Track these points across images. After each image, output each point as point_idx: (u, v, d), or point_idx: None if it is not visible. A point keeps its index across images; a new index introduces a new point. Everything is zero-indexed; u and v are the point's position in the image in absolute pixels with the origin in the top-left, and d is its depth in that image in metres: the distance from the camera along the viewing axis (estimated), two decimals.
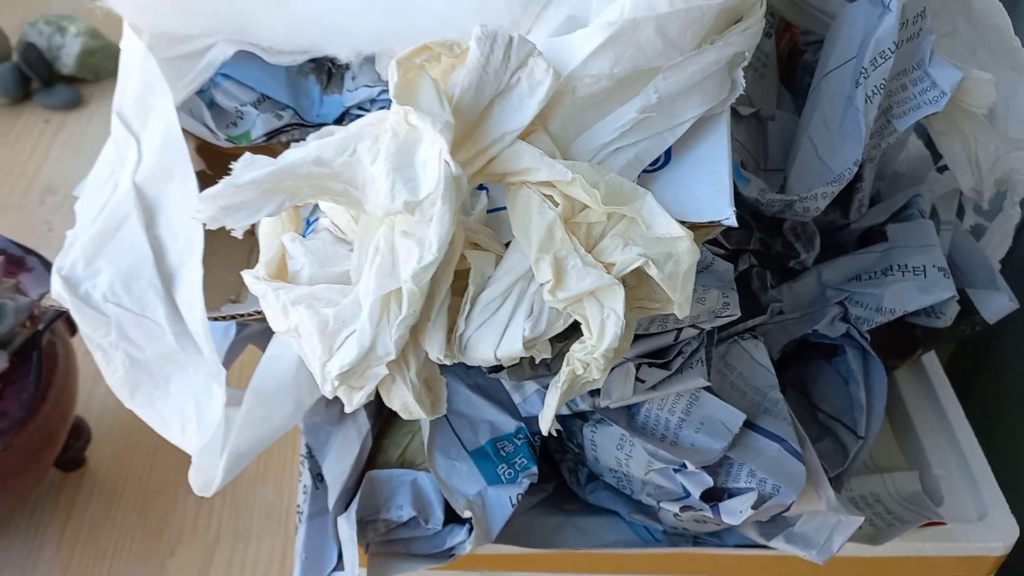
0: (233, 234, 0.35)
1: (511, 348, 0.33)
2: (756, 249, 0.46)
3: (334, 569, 0.43)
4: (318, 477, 0.46)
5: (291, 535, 0.54)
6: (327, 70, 0.45)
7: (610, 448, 0.43)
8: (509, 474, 0.43)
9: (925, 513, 0.46)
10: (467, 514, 0.42)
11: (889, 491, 0.51)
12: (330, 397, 0.34)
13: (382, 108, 0.44)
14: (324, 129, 0.40)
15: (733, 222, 0.32)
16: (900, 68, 0.41)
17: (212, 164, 0.46)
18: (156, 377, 0.41)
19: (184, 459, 0.59)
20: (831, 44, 0.42)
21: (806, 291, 0.48)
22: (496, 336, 0.33)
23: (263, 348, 0.49)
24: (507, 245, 0.34)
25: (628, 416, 0.43)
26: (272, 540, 0.54)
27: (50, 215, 0.76)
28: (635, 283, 0.33)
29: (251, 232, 0.46)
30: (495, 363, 0.34)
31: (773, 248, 0.47)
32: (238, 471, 0.38)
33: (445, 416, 0.46)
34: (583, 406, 0.42)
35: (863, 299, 0.46)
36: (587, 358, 0.32)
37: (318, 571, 0.43)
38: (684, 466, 0.40)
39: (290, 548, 0.53)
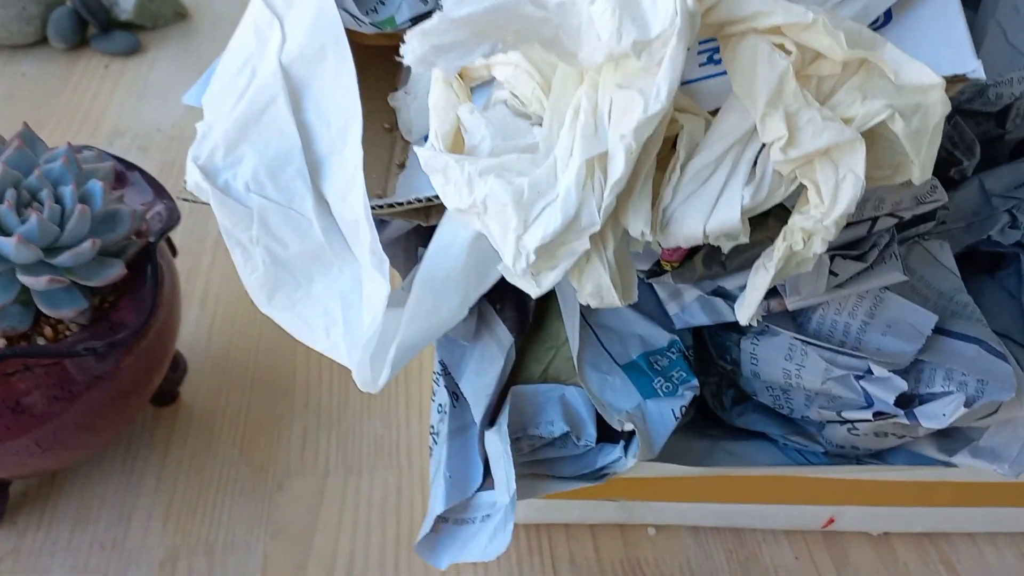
0: (444, 77, 0.33)
1: (727, 219, 0.30)
2: None
3: (480, 488, 0.40)
4: (454, 395, 0.43)
5: (405, 468, 0.51)
6: None
7: (776, 360, 0.40)
8: (667, 388, 0.40)
9: None
10: (628, 427, 0.39)
11: None
12: (519, 277, 0.31)
13: None
14: None
15: (981, 74, 0.29)
16: None
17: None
18: (298, 277, 0.38)
19: (281, 393, 0.56)
20: None
21: (969, 201, 0.45)
22: (708, 207, 0.30)
23: (394, 263, 0.46)
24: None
25: (796, 324, 0.40)
26: (385, 473, 0.51)
27: (121, 155, 0.73)
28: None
29: (391, 128, 0.43)
30: (702, 240, 0.31)
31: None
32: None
33: (592, 330, 0.43)
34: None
35: None
36: (814, 227, 0.29)
37: (462, 491, 0.40)
38: (869, 371, 0.37)
39: (405, 481, 0.50)
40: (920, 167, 0.29)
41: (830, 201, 0.29)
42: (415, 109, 0.39)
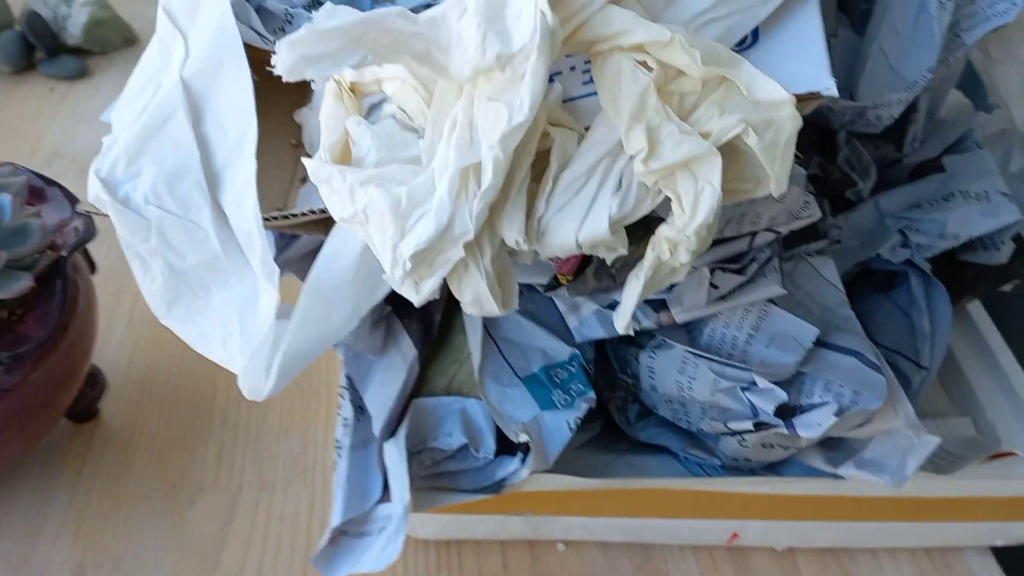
0: (334, 91, 0.33)
1: (596, 229, 0.31)
2: (814, 174, 0.45)
3: (379, 501, 0.41)
4: (359, 409, 0.44)
5: (319, 485, 0.51)
6: None
7: (671, 372, 0.41)
8: (565, 400, 0.41)
9: (990, 447, 0.44)
10: (523, 438, 0.39)
11: (944, 436, 0.49)
12: (398, 285, 0.32)
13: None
14: None
15: (834, 91, 0.30)
16: None
17: (256, 72, 0.44)
18: (196, 288, 0.39)
19: (200, 411, 0.56)
20: None
21: (864, 221, 0.46)
22: (579, 217, 0.31)
23: (300, 276, 0.47)
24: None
25: (690, 337, 0.41)
26: (299, 490, 0.51)
27: (57, 178, 0.73)
28: (725, 162, 0.31)
29: (296, 144, 0.44)
30: (576, 250, 0.32)
31: (831, 175, 0.46)
32: (292, 377, 0.35)
33: (495, 343, 0.44)
34: (647, 323, 0.40)
35: (924, 226, 0.44)
36: (677, 237, 0.30)
37: (361, 503, 0.41)
38: (754, 383, 0.38)
39: (319, 498, 0.50)
40: (775, 180, 0.30)
41: (690, 211, 0.30)
42: (316, 124, 0.40)
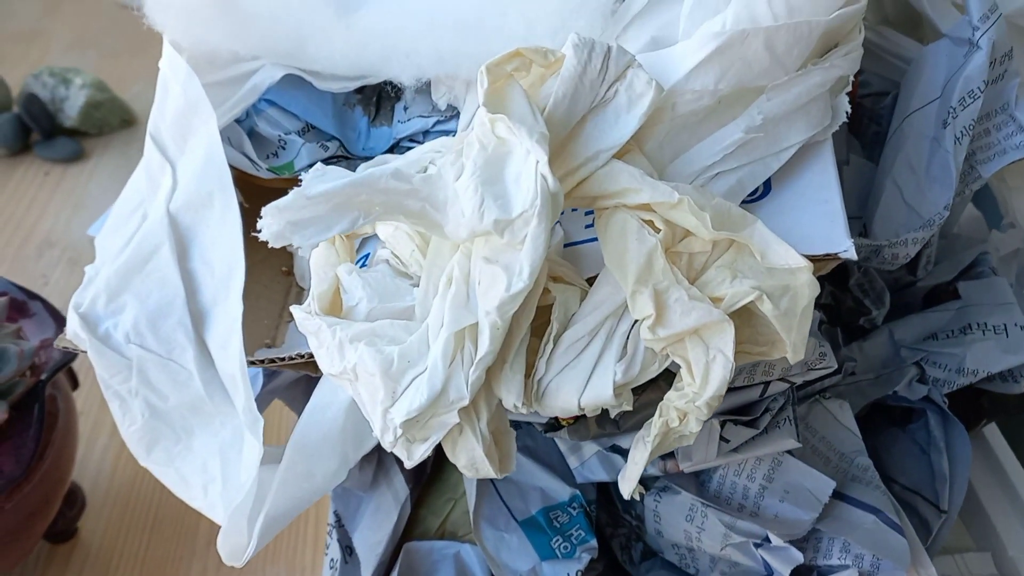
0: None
1: (599, 394, 0.29)
2: (827, 303, 0.43)
3: None
4: (347, 550, 0.41)
5: None
6: (374, 101, 0.42)
7: (678, 520, 0.39)
8: (565, 548, 0.39)
9: None
10: None
11: (963, 573, 0.47)
12: (389, 449, 0.30)
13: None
14: (380, 157, 0.37)
15: (852, 255, 0.29)
16: (984, 111, 0.39)
17: (249, 198, 0.42)
18: (178, 430, 0.37)
19: (183, 533, 0.54)
20: (911, 86, 0.40)
21: (879, 351, 0.44)
22: (581, 381, 0.29)
23: (290, 404, 0.45)
24: (590, 281, 0.31)
25: (698, 484, 0.39)
26: None
27: (47, 269, 0.72)
28: (737, 323, 0.29)
29: (288, 272, 0.42)
30: (578, 412, 0.30)
31: (844, 304, 0.44)
32: (271, 537, 0.33)
33: (492, 483, 0.42)
34: (651, 471, 0.38)
35: (942, 360, 0.43)
36: (687, 407, 0.29)
37: None
38: (767, 539, 0.36)
39: None
40: (792, 347, 0.28)
41: (701, 381, 0.28)
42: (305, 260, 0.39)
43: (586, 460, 0.40)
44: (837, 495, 0.36)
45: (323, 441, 0.33)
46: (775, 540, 0.35)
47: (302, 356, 0.36)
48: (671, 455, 0.37)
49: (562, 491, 0.41)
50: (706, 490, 0.39)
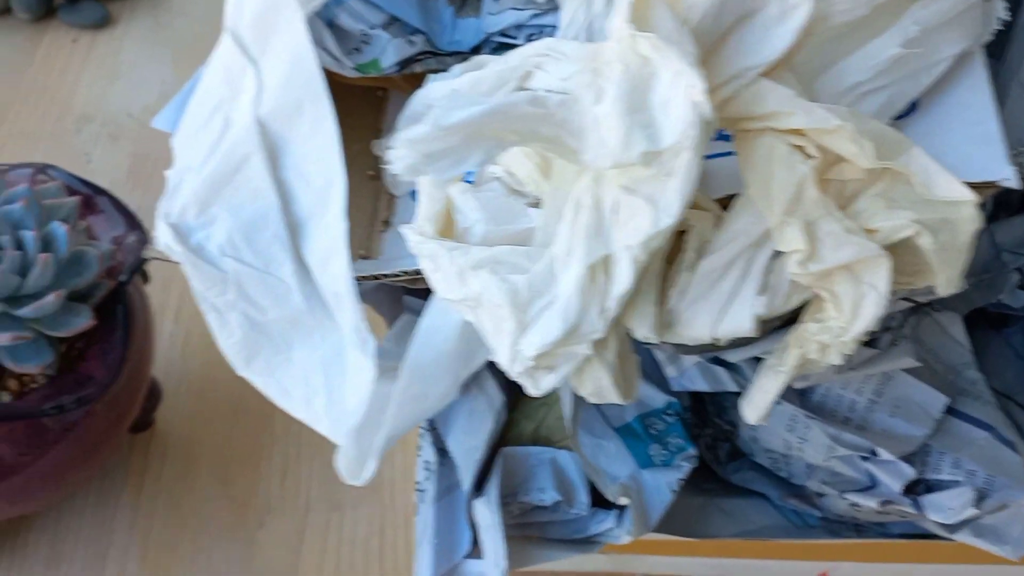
0: (421, 184, 0.30)
1: (737, 326, 0.28)
2: None
3: (468, 555, 0.39)
4: (441, 452, 0.41)
5: (388, 505, 0.50)
6: None
7: (777, 430, 0.38)
8: (663, 456, 0.39)
9: None
10: (623, 501, 0.37)
11: None
12: (515, 377, 0.29)
13: (532, 36, 0.38)
14: (476, 59, 0.35)
15: (1015, 183, 0.27)
16: None
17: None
18: (277, 342, 0.36)
19: (261, 422, 0.54)
20: None
21: (979, 255, 0.43)
22: (716, 310, 0.28)
23: (376, 307, 0.44)
24: (722, 204, 0.29)
25: (799, 395, 0.39)
26: (368, 510, 0.49)
27: (88, 146, 0.70)
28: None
29: (375, 176, 0.40)
30: (707, 340, 0.29)
31: None
32: (384, 453, 0.33)
33: None
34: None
35: None
36: (831, 341, 0.27)
37: (449, 558, 0.39)
38: (874, 453, 0.36)
39: (388, 519, 0.49)
40: (946, 280, 0.27)
41: (850, 315, 0.27)
42: None
43: (686, 370, 0.39)
44: (948, 409, 0.36)
45: (436, 362, 0.32)
46: (883, 454, 0.35)
47: (407, 273, 0.34)
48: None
49: (657, 398, 0.40)
50: (808, 401, 0.38)
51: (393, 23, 0.38)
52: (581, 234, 0.27)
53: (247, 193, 0.34)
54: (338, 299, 0.33)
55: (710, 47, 0.26)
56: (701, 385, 0.39)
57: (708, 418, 0.43)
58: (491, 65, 0.34)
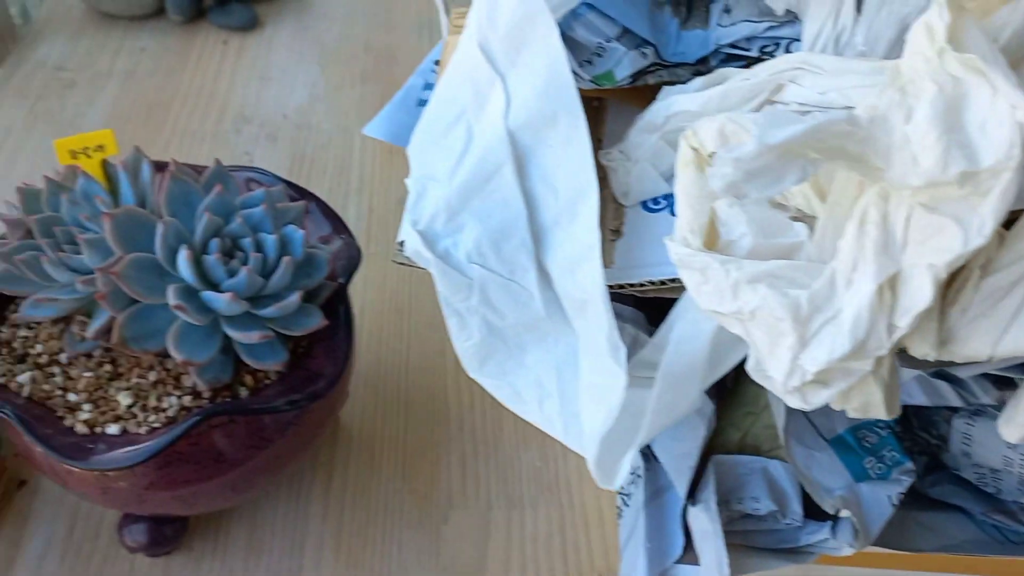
0: (694, 161, 0.31)
1: (1017, 346, 0.28)
2: None
3: (680, 559, 0.40)
4: (646, 457, 0.42)
5: (567, 505, 0.51)
6: (685, 1, 0.39)
7: (996, 445, 0.38)
8: (879, 469, 0.39)
9: None
10: (844, 514, 0.38)
11: None
12: (787, 397, 0.29)
13: (765, 48, 0.38)
14: (719, 72, 0.35)
15: None
16: None
17: None
18: (511, 346, 0.37)
19: (436, 415, 0.56)
20: None
21: None
22: (996, 331, 0.28)
23: None
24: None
25: None
26: (547, 509, 0.50)
27: (248, 145, 0.72)
28: None
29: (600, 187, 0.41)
30: (984, 359, 0.29)
31: None
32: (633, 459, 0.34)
33: None
34: (985, 399, 0.37)
35: None
36: None
37: (661, 562, 0.40)
38: None
39: (568, 519, 0.50)
40: None
41: None
42: (636, 174, 0.37)
43: (904, 383, 0.39)
44: None
45: (688, 372, 0.33)
46: None
47: (652, 283, 0.35)
48: (1008, 385, 0.37)
49: None
50: None
51: (624, 35, 0.39)
52: (869, 250, 0.27)
53: (496, 202, 0.35)
54: (583, 306, 0.34)
55: (1013, 65, 0.27)
56: (920, 399, 0.39)
57: (912, 431, 0.43)
58: (735, 78, 0.34)
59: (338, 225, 0.47)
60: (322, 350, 0.42)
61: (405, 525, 0.50)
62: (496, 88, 0.36)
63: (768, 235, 0.31)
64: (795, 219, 0.31)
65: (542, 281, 0.35)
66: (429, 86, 0.44)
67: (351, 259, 0.45)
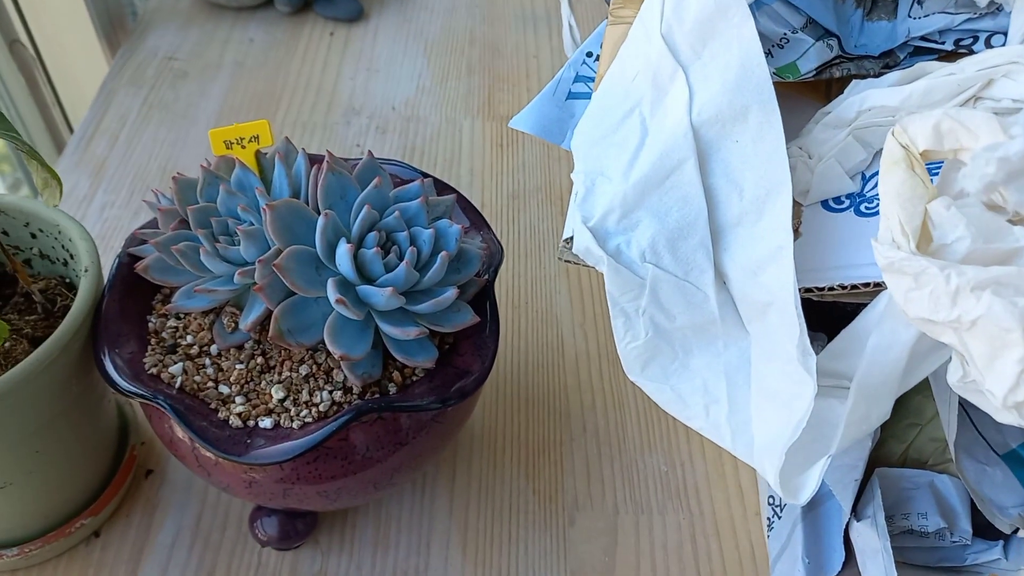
0: (904, 161, 0.29)
1: None
2: None
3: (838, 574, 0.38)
4: None
5: (696, 512, 0.49)
6: None
7: None
8: None
9: None
10: (1022, 533, 0.36)
11: None
12: (1003, 412, 0.28)
13: (961, 41, 0.36)
14: (918, 66, 0.33)
15: None
16: None
17: None
18: (676, 348, 0.36)
19: (557, 414, 0.55)
20: None
21: None
22: None
23: None
24: None
25: None
26: (676, 516, 0.49)
27: (358, 137, 0.72)
28: None
29: None
30: None
31: None
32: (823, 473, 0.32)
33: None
34: None
35: None
36: None
37: (819, 574, 0.38)
38: None
39: (699, 527, 0.48)
40: None
41: None
42: (819, 172, 0.36)
43: None
44: None
45: (884, 383, 0.31)
46: None
47: (843, 287, 0.34)
48: None
49: None
50: None
51: (808, 25, 0.37)
52: None
53: (675, 199, 0.34)
54: (764, 309, 0.33)
55: None
56: None
57: None
58: (937, 72, 0.32)
59: (478, 220, 0.46)
60: (469, 347, 0.41)
61: (530, 525, 0.49)
62: (678, 81, 0.34)
63: (988, 240, 0.29)
64: (1013, 222, 0.29)
65: (717, 282, 0.34)
66: (581, 78, 0.43)
67: (493, 255, 0.44)
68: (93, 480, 0.47)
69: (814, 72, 0.36)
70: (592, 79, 0.44)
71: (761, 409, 0.34)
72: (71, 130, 0.90)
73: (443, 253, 0.38)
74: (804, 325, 0.31)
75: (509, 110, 0.75)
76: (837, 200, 0.36)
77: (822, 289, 0.33)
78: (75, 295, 0.41)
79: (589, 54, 0.44)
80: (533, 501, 0.50)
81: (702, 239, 0.34)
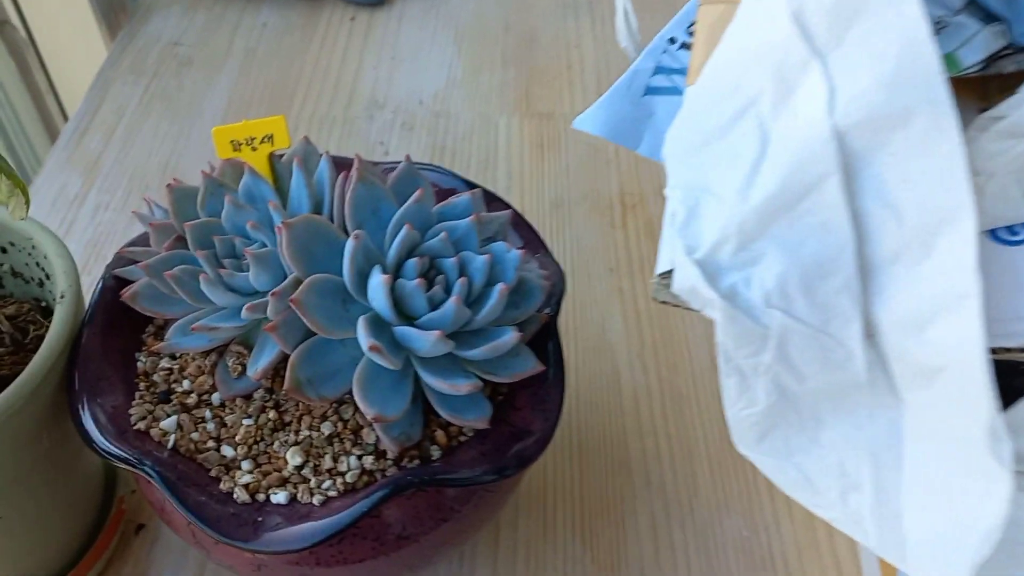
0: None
1: None
2: None
3: None
4: None
5: None
6: None
7: None
8: None
9: None
10: None
11: None
12: None
13: None
14: None
15: None
16: None
17: None
18: (804, 417, 0.28)
19: (617, 465, 0.47)
20: None
21: None
22: None
23: None
24: None
25: None
26: None
27: (382, 134, 0.64)
28: None
29: None
30: None
31: None
32: None
33: None
34: None
35: None
36: None
37: None
38: None
39: None
40: None
41: None
42: (989, 194, 0.28)
43: None
44: None
45: None
46: None
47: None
48: None
49: None
50: None
51: (967, 7, 0.29)
52: None
53: (811, 226, 0.26)
54: (934, 375, 0.25)
55: None
56: None
57: None
58: None
59: (533, 239, 0.38)
60: (528, 399, 0.33)
61: None
62: (812, 73, 0.26)
63: None
64: None
65: (866, 336, 0.26)
66: (663, 70, 0.35)
67: (555, 284, 0.36)
68: (73, 540, 0.40)
69: (980, 65, 0.28)
70: (679, 71, 0.36)
71: (918, 504, 0.26)
72: (67, 120, 0.83)
73: (500, 285, 0.30)
74: (995, 402, 0.23)
75: (548, 106, 0.68)
76: (1011, 230, 0.28)
77: (1011, 350, 0.26)
78: (52, 322, 0.33)
79: (672, 40, 0.36)
80: (592, 571, 0.42)
81: (847, 279, 0.26)
